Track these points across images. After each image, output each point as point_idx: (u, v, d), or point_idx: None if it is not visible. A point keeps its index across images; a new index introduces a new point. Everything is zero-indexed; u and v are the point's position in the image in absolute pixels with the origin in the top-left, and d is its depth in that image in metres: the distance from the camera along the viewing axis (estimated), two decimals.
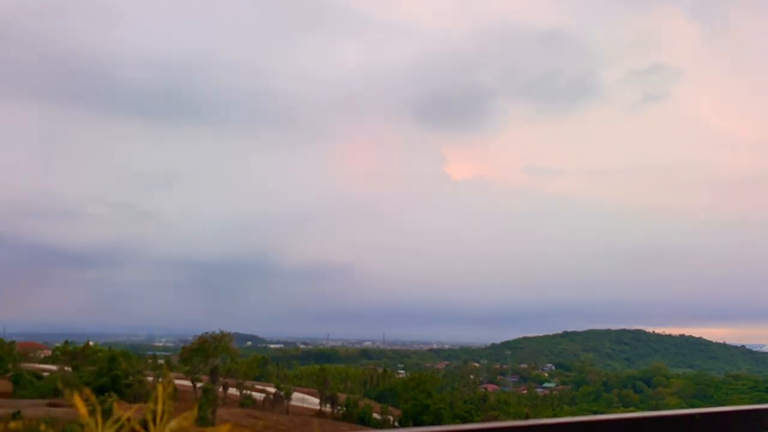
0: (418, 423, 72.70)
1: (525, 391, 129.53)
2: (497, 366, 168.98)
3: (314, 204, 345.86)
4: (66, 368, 70.69)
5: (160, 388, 1.54)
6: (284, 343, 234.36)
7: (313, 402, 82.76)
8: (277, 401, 77.24)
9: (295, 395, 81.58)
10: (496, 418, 73.75)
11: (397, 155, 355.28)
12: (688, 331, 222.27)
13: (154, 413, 1.51)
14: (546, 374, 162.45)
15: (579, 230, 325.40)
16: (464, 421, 72.99)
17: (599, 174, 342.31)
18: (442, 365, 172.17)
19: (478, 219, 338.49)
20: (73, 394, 1.45)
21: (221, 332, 73.81)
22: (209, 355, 71.91)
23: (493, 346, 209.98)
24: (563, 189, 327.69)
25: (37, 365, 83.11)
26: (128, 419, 1.49)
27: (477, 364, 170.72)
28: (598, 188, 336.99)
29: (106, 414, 1.48)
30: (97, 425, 1.46)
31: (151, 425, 1.50)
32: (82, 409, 1.45)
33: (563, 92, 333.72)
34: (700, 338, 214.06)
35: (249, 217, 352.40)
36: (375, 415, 79.93)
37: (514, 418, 73.39)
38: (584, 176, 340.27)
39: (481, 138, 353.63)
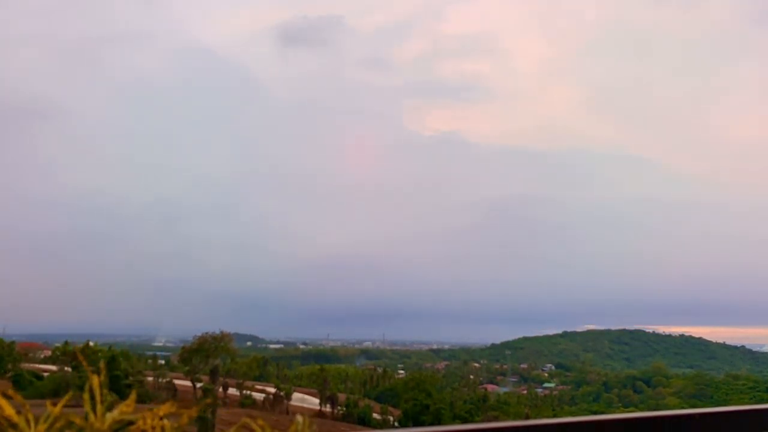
0: (418, 423, 72.70)
1: (525, 391, 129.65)
2: (497, 366, 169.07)
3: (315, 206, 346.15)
4: (66, 368, 70.70)
5: (95, 379, 1.52)
6: (284, 343, 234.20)
7: (313, 402, 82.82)
8: (277, 401, 77.29)
9: (295, 395, 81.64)
10: (496, 418, 73.75)
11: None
12: (688, 331, 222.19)
13: (93, 404, 1.49)
14: (546, 374, 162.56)
15: (579, 230, 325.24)
16: (464, 421, 73.02)
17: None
18: (442, 365, 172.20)
19: (478, 218, 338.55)
20: None
21: (221, 332, 73.87)
22: (209, 355, 71.95)
23: (493, 346, 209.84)
24: (563, 187, 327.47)
25: (37, 365, 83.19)
26: (63, 413, 1.48)
27: (477, 364, 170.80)
28: (598, 187, 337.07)
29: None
30: (28, 423, 1.44)
31: (90, 415, 1.48)
32: (8, 410, 1.43)
33: None
34: (700, 338, 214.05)
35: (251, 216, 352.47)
36: (375, 415, 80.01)
37: (514, 418, 73.45)
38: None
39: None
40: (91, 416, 1.48)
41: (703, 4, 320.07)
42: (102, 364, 1.70)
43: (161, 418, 1.53)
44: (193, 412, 1.57)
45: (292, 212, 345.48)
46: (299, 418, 1.67)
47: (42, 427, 1.45)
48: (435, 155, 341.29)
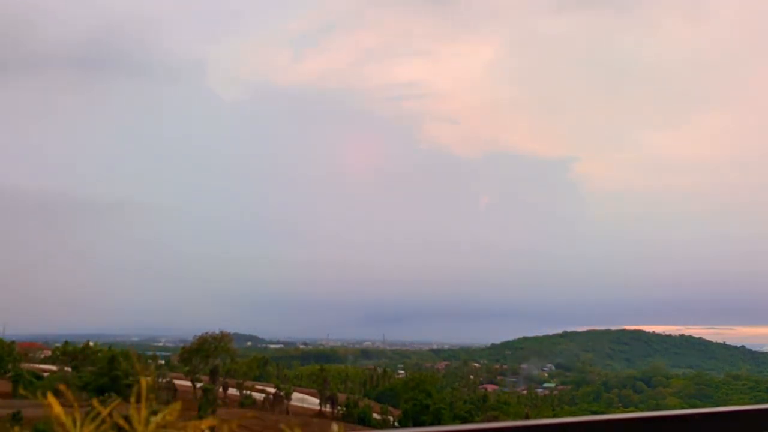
0: (418, 423, 72.71)
1: (525, 392, 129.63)
2: (497, 366, 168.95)
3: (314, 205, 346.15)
4: (66, 368, 70.75)
5: (143, 383, 1.52)
6: (284, 343, 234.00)
7: (313, 402, 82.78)
8: (277, 401, 77.27)
9: (295, 395, 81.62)
10: (496, 418, 73.76)
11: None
12: (688, 331, 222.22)
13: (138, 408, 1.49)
14: (546, 374, 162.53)
15: (579, 229, 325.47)
16: (464, 421, 73.03)
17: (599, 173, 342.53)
18: (442, 365, 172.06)
19: (478, 218, 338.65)
20: (47, 394, 1.45)
21: (221, 332, 73.88)
22: (209, 356, 71.99)
23: (493, 346, 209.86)
24: (565, 186, 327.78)
25: (37, 365, 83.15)
26: (110, 415, 1.48)
27: (477, 364, 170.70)
28: (597, 187, 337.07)
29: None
30: (75, 423, 1.44)
31: (135, 420, 1.48)
32: (57, 408, 1.43)
33: None
34: (700, 338, 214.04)
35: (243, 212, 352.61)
36: (375, 415, 79.99)
37: (514, 418, 73.44)
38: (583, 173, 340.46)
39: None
40: (135, 420, 1.48)
41: None
42: (152, 368, 1.69)
43: (203, 431, 1.53)
44: (234, 424, 1.56)
45: (292, 213, 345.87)
46: (335, 426, 1.66)
47: (88, 428, 1.45)
48: (434, 161, 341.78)
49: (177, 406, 1.54)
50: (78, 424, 1.45)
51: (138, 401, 1.50)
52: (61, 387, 1.53)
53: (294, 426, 1.63)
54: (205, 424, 1.54)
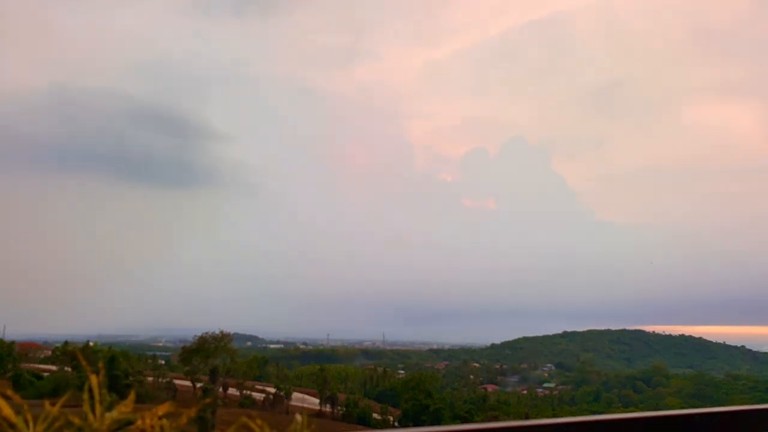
0: (418, 423, 72.68)
1: (525, 391, 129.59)
2: (497, 366, 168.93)
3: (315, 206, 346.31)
4: (66, 368, 70.68)
5: (94, 379, 1.50)
6: (284, 343, 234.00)
7: (313, 402, 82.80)
8: (277, 401, 77.33)
9: (295, 395, 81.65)
10: (496, 418, 73.71)
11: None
12: (688, 331, 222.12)
13: (92, 404, 1.48)
14: (546, 374, 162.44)
15: (578, 229, 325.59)
16: (464, 421, 73.01)
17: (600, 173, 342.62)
18: (442, 365, 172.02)
19: (478, 219, 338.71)
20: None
21: (221, 332, 73.84)
22: (209, 356, 71.92)
23: (493, 346, 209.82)
24: (565, 185, 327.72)
25: (37, 365, 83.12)
26: (62, 413, 1.46)
27: (477, 364, 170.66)
28: (599, 188, 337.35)
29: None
30: (27, 424, 1.43)
31: (89, 415, 1.46)
32: (6, 410, 1.41)
33: None
34: (700, 338, 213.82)
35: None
36: (375, 415, 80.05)
37: (514, 418, 73.41)
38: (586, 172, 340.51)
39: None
40: (90, 416, 1.46)
41: None
42: (101, 364, 1.69)
43: (160, 418, 1.52)
44: (192, 412, 1.55)
45: (292, 213, 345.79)
46: (298, 417, 1.65)
47: (41, 427, 1.44)
48: (433, 163, 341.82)
49: (131, 397, 1.52)
50: (30, 424, 1.43)
51: (92, 398, 1.49)
52: (9, 392, 1.54)
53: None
54: (162, 410, 1.53)
